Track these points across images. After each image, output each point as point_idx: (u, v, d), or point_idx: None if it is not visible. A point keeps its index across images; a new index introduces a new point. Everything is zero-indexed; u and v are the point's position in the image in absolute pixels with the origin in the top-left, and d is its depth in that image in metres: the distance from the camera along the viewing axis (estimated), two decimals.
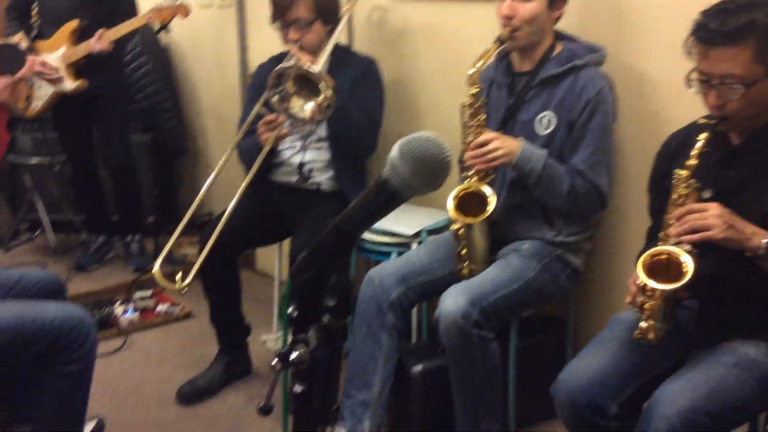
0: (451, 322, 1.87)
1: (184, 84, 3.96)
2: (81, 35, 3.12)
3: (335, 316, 0.85)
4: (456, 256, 2.05)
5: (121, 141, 3.47)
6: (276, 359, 0.88)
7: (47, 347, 1.75)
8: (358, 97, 2.52)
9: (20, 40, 3.11)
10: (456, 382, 1.97)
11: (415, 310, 2.43)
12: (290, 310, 0.94)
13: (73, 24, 3.13)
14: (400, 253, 2.36)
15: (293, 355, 0.86)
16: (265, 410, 0.92)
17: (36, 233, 3.84)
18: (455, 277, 2.04)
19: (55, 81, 3.10)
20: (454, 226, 2.04)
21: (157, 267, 2.14)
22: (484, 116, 2.01)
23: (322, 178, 2.61)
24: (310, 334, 0.87)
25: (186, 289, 2.14)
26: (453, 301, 1.89)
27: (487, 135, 1.97)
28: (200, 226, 2.46)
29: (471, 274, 2.02)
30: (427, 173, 0.82)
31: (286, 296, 0.88)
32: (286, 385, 0.82)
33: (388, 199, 0.83)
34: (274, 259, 2.99)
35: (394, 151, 0.82)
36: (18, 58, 1.79)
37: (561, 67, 2.02)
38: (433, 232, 2.46)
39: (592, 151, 1.99)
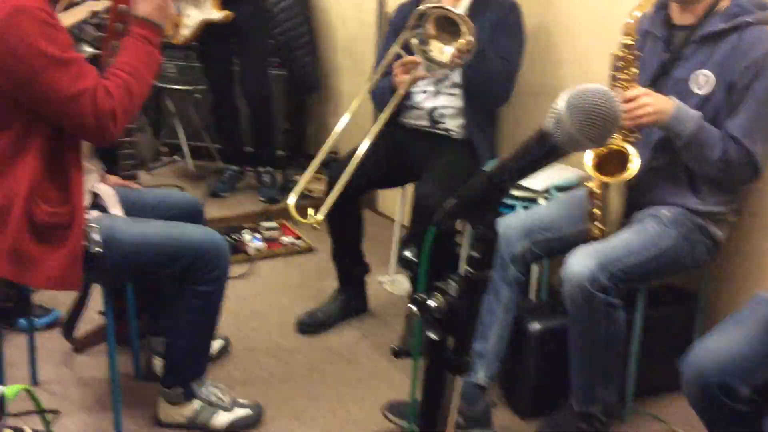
0: (576, 284, 1.82)
1: (320, 20, 3.99)
2: None
3: (478, 267, 0.83)
4: (587, 215, 1.97)
5: (260, 73, 3.56)
6: (411, 305, 0.88)
7: (186, 266, 1.85)
8: (497, 42, 2.44)
9: None
10: (575, 346, 1.93)
11: (536, 267, 2.39)
12: (409, 253, 0.93)
13: None
14: (525, 208, 2.30)
15: (431, 303, 0.85)
16: (399, 353, 0.93)
17: (175, 157, 4.05)
18: (583, 237, 1.98)
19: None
20: (590, 184, 1.96)
21: (292, 201, 2.18)
22: (637, 70, 1.90)
23: (452, 125, 2.57)
24: (449, 283, 0.86)
25: (319, 224, 2.18)
26: (580, 262, 1.83)
27: (637, 90, 1.85)
28: (325, 164, 2.49)
29: (602, 236, 1.94)
30: (595, 130, 0.77)
31: (427, 241, 0.85)
32: (414, 329, 0.81)
33: (548, 153, 0.79)
34: (394, 201, 2.99)
35: (561, 104, 0.77)
36: None
37: (726, 22, 1.87)
38: (562, 189, 2.38)
39: (752, 117, 1.84)
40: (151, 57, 1.77)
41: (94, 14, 2.28)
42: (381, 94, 2.52)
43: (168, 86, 3.88)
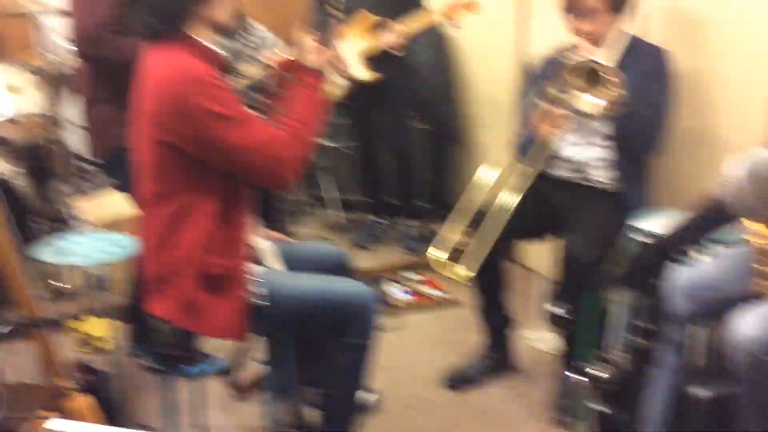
0: (746, 350, 1.69)
1: (460, 74, 4.06)
2: (376, 28, 3.34)
3: (647, 337, 0.81)
4: (756, 273, 1.85)
5: (402, 127, 3.68)
6: (572, 372, 0.87)
7: (338, 319, 1.91)
8: (648, 91, 2.38)
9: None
10: (747, 415, 1.79)
11: (698, 327, 2.25)
12: (560, 310, 0.91)
13: (371, 17, 3.36)
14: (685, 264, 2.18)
15: (597, 371, 0.83)
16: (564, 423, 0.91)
17: (321, 210, 4.22)
18: (749, 296, 1.85)
19: (341, 73, 3.36)
20: (757, 240, 1.84)
21: (437, 255, 2.21)
22: None
23: (603, 176, 2.51)
24: (613, 351, 0.84)
25: (466, 280, 2.19)
26: (749, 325, 1.71)
27: None
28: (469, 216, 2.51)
29: None
30: None
31: (585, 304, 0.84)
32: (572, 396, 0.79)
33: (721, 221, 0.76)
34: (538, 253, 2.94)
35: (739, 172, 0.75)
36: (330, 33, 1.94)
37: None
38: (720, 243, 2.24)
39: None
40: (317, 104, 1.88)
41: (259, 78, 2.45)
42: (523, 145, 2.52)
43: (321, 143, 4.08)
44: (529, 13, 3.35)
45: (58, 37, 3.86)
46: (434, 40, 3.91)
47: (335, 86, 3.52)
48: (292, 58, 1.93)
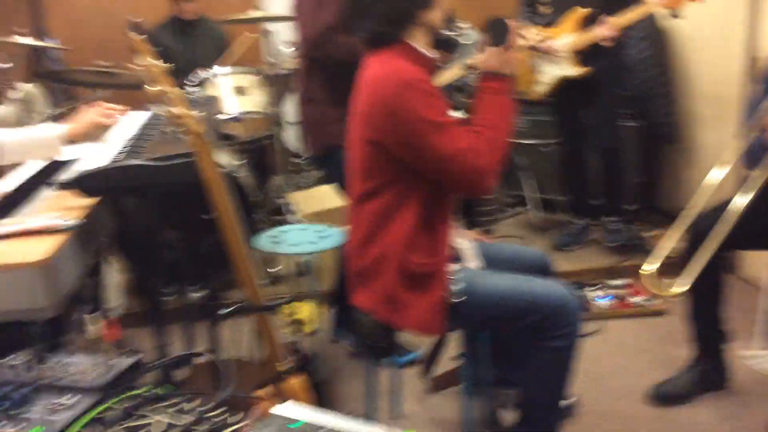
0: None
1: (680, 69, 3.79)
2: (588, 22, 3.22)
3: None
4: None
5: (611, 125, 3.50)
6: None
7: (538, 321, 1.87)
8: None
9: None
10: None
11: None
12: None
13: (583, 11, 3.24)
14: None
15: None
16: None
17: (519, 209, 4.16)
18: None
19: (550, 53, 3.24)
20: None
21: (649, 269, 2.09)
22: None
23: None
24: None
25: (676, 296, 2.06)
26: None
27: None
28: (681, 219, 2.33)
29: None
30: None
31: None
32: None
33: None
34: (762, 265, 2.67)
35: None
36: (507, 34, 1.90)
37: None
38: None
39: None
40: (505, 107, 1.87)
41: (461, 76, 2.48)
42: (751, 151, 2.28)
43: (519, 141, 4.03)
44: (763, 2, 3.05)
45: (280, 41, 4.18)
46: (649, 32, 3.68)
47: (538, 83, 3.45)
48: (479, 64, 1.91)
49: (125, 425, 1.04)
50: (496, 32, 1.84)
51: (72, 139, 2.02)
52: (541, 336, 1.89)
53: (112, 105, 2.11)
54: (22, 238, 1.60)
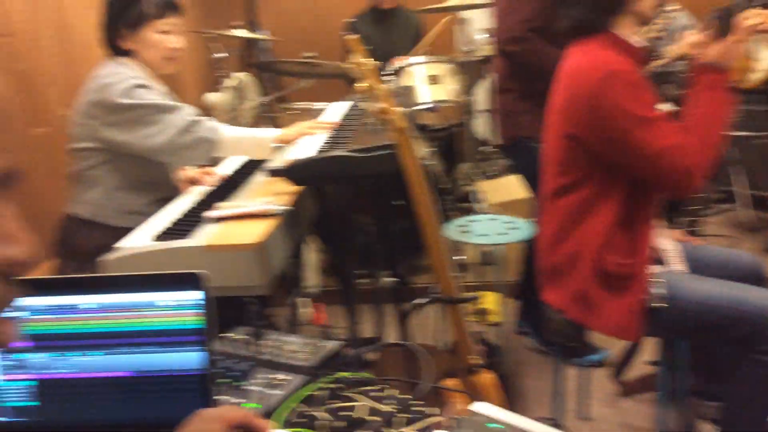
0: None
1: None
2: None
3: None
4: None
5: None
6: None
7: (747, 333, 1.73)
8: None
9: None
10: None
11: None
12: None
13: None
14: None
15: None
16: None
17: (730, 206, 3.84)
18: None
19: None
20: None
21: None
22: None
23: None
24: None
25: None
26: None
27: None
28: None
29: None
30: None
31: None
32: None
33: None
34: None
35: None
36: (734, 25, 1.74)
37: None
38: None
39: None
40: (720, 102, 1.73)
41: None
42: None
43: (730, 132, 3.71)
44: None
45: (474, 29, 4.17)
46: None
47: (754, 71, 3.16)
48: (694, 55, 1.78)
49: (331, 406, 1.11)
50: (723, 23, 1.70)
51: (281, 144, 2.20)
52: (750, 349, 1.75)
53: (321, 121, 2.27)
54: (240, 221, 1.75)
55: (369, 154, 1.76)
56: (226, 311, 1.39)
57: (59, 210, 2.24)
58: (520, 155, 2.78)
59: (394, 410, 1.10)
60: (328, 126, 2.25)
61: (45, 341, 1.09)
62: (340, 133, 2.19)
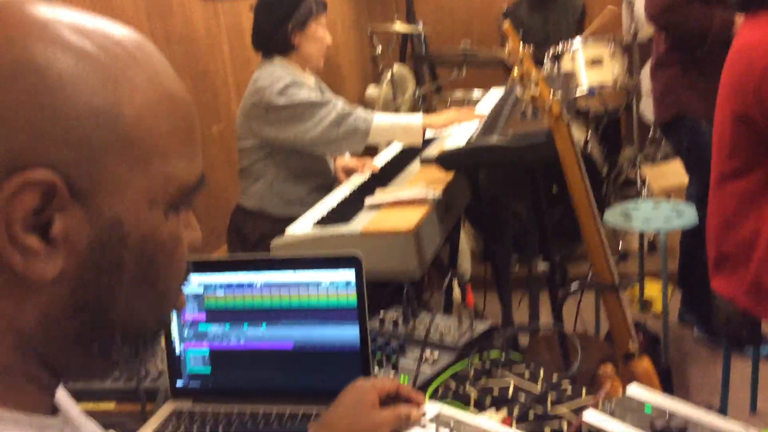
0: None
1: None
2: None
3: None
4: None
5: None
6: None
7: None
8: None
9: None
10: None
11: None
12: None
13: None
14: None
15: None
16: None
17: None
18: None
19: None
20: None
21: None
22: None
23: None
24: None
25: None
26: None
27: None
28: None
29: None
30: None
31: None
32: None
33: None
34: None
35: None
36: None
37: None
38: None
39: None
40: None
41: None
42: None
43: None
44: None
45: (639, 9, 3.98)
46: None
47: None
48: None
49: (479, 384, 1.14)
50: None
51: (431, 129, 2.25)
52: None
53: (472, 111, 2.29)
54: (395, 208, 1.81)
55: (519, 144, 1.74)
56: (382, 293, 1.46)
57: (234, 201, 2.44)
58: (682, 135, 2.64)
59: (544, 390, 1.10)
60: (478, 114, 2.27)
61: (218, 314, 1.20)
62: (494, 120, 2.20)
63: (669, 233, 2.49)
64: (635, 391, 0.99)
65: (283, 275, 1.17)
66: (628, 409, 0.94)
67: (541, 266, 2.28)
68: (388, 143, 2.57)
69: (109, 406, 1.26)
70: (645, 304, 2.99)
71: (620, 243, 3.43)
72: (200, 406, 1.19)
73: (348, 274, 1.14)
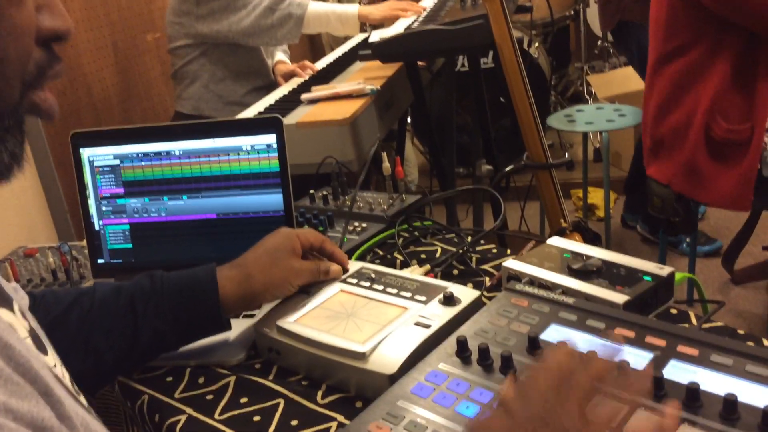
0: None
1: None
2: None
3: None
4: None
5: None
6: None
7: None
8: None
9: None
10: None
11: None
12: None
13: None
14: None
15: None
16: None
17: None
18: None
19: None
20: None
21: None
22: None
23: None
24: None
25: None
26: None
27: None
28: None
29: None
30: None
31: None
32: None
33: None
34: None
35: None
36: None
37: None
38: None
39: None
40: None
41: None
42: None
43: None
44: None
45: None
46: None
47: None
48: None
49: (407, 251, 1.13)
50: None
51: (367, 21, 2.19)
52: None
53: (413, 4, 2.23)
54: (333, 102, 1.78)
55: (456, 27, 1.70)
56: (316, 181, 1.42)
57: (173, 110, 2.36)
58: (629, 41, 2.63)
59: (468, 246, 1.10)
60: (419, 7, 2.21)
61: (137, 187, 1.16)
62: (436, 12, 2.15)
63: (620, 143, 2.50)
64: (555, 241, 0.99)
65: (202, 142, 1.12)
66: (546, 257, 0.94)
67: (485, 167, 2.27)
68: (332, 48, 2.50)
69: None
70: (589, 208, 3.02)
71: (566, 154, 3.45)
72: None
73: (269, 138, 1.10)
